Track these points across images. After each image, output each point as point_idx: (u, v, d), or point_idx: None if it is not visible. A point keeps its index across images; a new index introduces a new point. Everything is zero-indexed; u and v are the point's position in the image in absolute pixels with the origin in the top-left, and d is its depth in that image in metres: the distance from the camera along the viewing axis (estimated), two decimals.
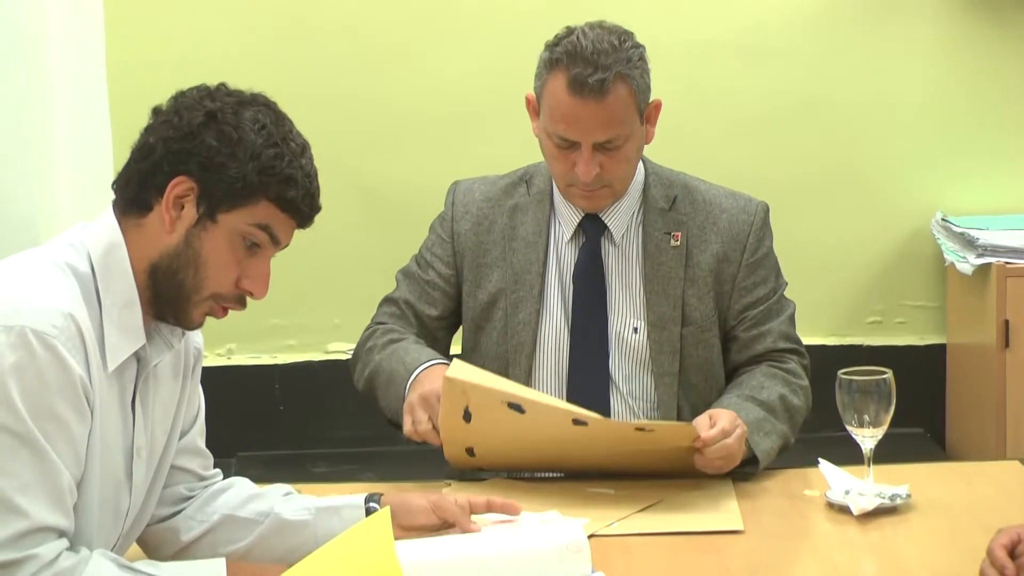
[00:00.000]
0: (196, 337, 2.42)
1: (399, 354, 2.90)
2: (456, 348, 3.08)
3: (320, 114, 4.58)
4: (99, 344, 2.17)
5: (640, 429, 2.66)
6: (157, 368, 2.29)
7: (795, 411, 2.89)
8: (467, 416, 2.65)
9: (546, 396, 2.77)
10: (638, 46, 2.84)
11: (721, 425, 2.65)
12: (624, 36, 2.83)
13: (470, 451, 2.74)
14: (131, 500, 2.27)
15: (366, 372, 2.96)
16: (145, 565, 2.15)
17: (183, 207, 2.18)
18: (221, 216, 2.18)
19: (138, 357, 2.24)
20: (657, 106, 2.90)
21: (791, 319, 3.00)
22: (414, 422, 2.75)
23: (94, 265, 2.19)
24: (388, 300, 3.06)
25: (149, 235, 2.20)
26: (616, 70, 2.77)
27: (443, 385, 2.63)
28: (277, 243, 2.24)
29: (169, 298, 2.21)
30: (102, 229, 2.22)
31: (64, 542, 2.10)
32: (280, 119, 2.25)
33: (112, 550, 2.25)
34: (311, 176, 2.25)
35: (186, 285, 2.19)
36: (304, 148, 2.25)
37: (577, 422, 2.63)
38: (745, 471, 2.79)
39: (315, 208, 2.26)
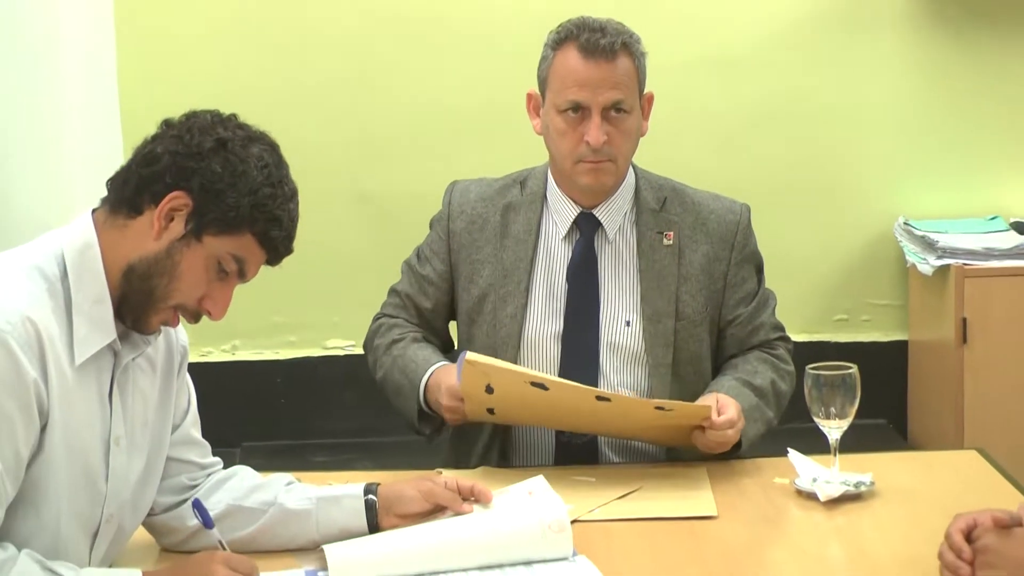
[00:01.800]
0: (181, 336, 2.43)
1: (400, 365, 2.93)
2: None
3: (321, 125, 4.60)
4: (66, 340, 2.16)
5: (659, 408, 2.68)
6: (134, 362, 2.29)
7: (782, 395, 2.92)
8: (489, 390, 2.68)
9: (565, 380, 2.76)
10: (638, 36, 2.89)
11: (729, 415, 2.68)
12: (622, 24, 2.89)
13: (490, 411, 2.77)
14: (109, 487, 2.25)
15: (378, 374, 2.99)
16: (64, 568, 2.12)
17: (173, 219, 2.17)
18: (207, 238, 2.18)
19: (113, 351, 2.23)
20: (650, 99, 2.93)
21: (774, 309, 3.03)
22: (454, 411, 2.78)
23: (67, 264, 2.19)
24: (392, 291, 3.08)
25: (132, 237, 2.19)
26: (622, 39, 2.82)
27: (464, 368, 2.65)
28: (243, 276, 2.24)
29: (136, 300, 2.20)
30: (78, 230, 2.22)
31: None
32: (280, 162, 2.25)
33: (96, 532, 2.26)
34: (294, 221, 2.25)
35: (156, 291, 2.19)
36: (294, 193, 2.26)
37: (600, 398, 2.67)
38: (730, 454, 2.81)
39: (289, 250, 2.27)
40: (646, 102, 2.91)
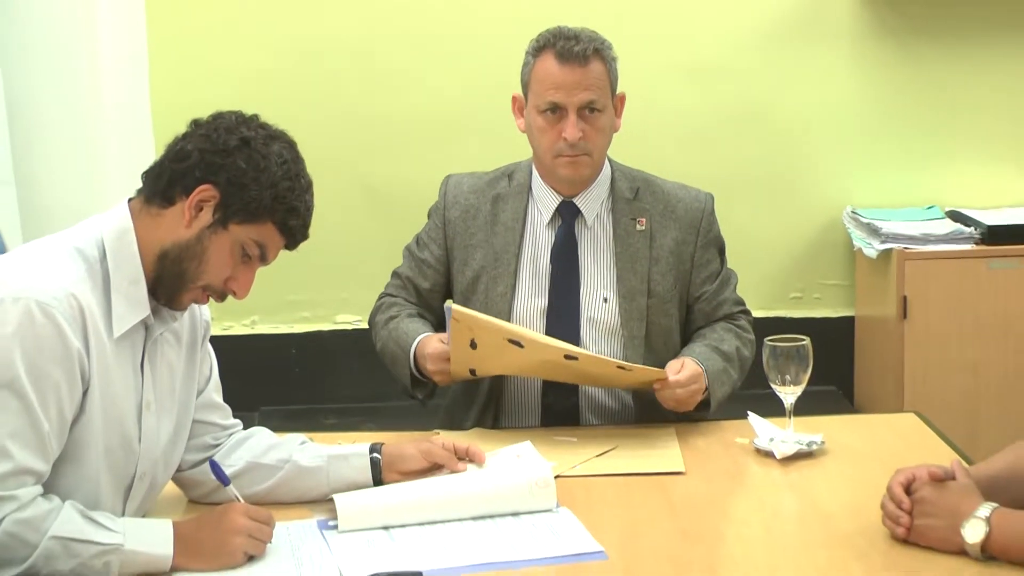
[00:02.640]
0: (204, 312, 2.44)
1: (394, 337, 2.93)
2: None
3: (331, 123, 4.59)
4: (105, 316, 2.17)
5: (620, 367, 2.69)
6: (162, 336, 2.30)
7: (745, 360, 2.93)
8: (473, 345, 2.69)
9: (541, 335, 2.79)
10: (609, 42, 2.89)
11: (679, 378, 2.71)
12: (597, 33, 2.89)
13: (472, 372, 2.79)
14: (141, 447, 2.26)
15: (378, 347, 2.99)
16: (103, 518, 2.13)
17: (202, 209, 2.19)
18: (232, 226, 2.19)
19: (145, 326, 2.24)
20: (622, 99, 2.93)
21: (736, 286, 3.04)
22: (441, 372, 2.79)
23: (106, 247, 2.20)
24: (395, 273, 3.08)
25: (165, 225, 2.21)
26: (594, 46, 2.83)
27: (451, 324, 2.67)
28: (264, 260, 2.26)
29: (169, 281, 2.21)
30: (115, 217, 2.23)
31: (39, 488, 2.09)
32: (297, 158, 2.26)
33: (130, 486, 2.27)
34: (310, 210, 2.27)
35: (187, 273, 2.20)
36: (310, 185, 2.27)
37: (569, 357, 2.67)
38: (699, 413, 2.82)
39: (305, 236, 2.28)
40: (619, 101, 2.92)
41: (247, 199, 2.18)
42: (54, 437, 2.10)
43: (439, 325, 2.98)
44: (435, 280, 3.02)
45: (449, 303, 2.77)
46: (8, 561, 2.06)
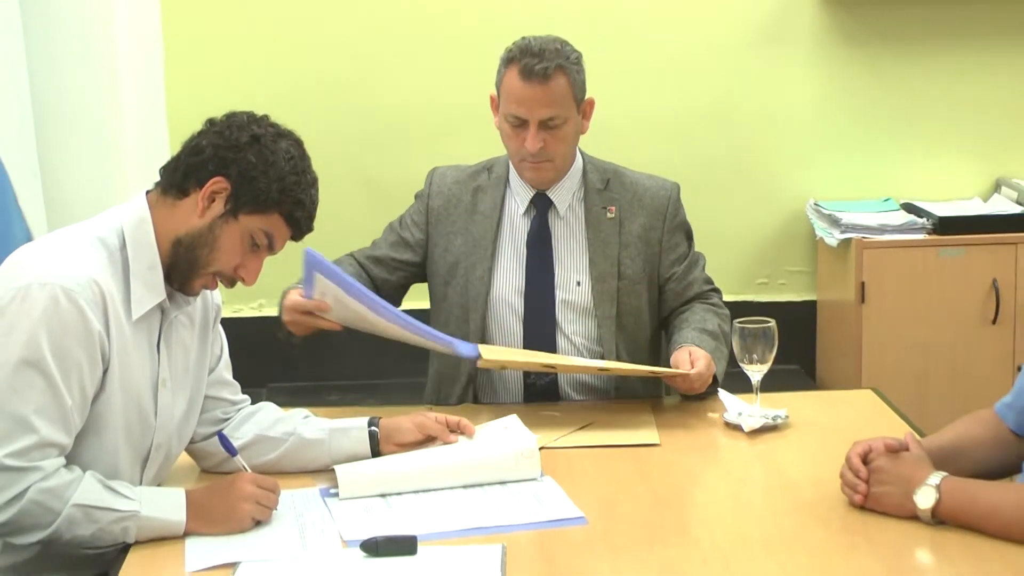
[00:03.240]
0: (215, 296, 2.44)
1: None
2: (423, 299, 3.06)
3: (334, 121, 4.58)
4: (124, 300, 2.18)
5: (651, 373, 2.76)
6: (177, 319, 2.30)
7: (727, 335, 2.90)
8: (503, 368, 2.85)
9: (569, 358, 2.86)
10: (576, 51, 2.85)
11: (699, 369, 2.68)
12: (564, 42, 2.85)
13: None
14: (157, 421, 2.27)
15: None
16: (121, 487, 2.14)
17: (214, 200, 2.19)
18: (242, 216, 2.20)
19: (161, 309, 2.25)
20: (591, 103, 2.90)
21: (704, 267, 3.03)
22: (293, 322, 2.83)
23: (125, 236, 2.20)
24: (374, 243, 3.07)
25: (180, 215, 2.21)
26: (557, 63, 2.78)
27: (481, 363, 2.70)
28: (272, 249, 2.26)
29: (182, 267, 2.22)
30: (134, 208, 2.24)
31: (62, 460, 2.10)
32: (304, 155, 2.27)
33: (147, 458, 2.28)
34: (315, 203, 2.27)
35: (200, 260, 2.21)
36: (315, 181, 2.28)
37: (602, 370, 2.80)
38: (709, 391, 2.80)
39: (310, 228, 2.29)
40: (587, 106, 2.88)
41: (256, 191, 2.19)
42: (76, 412, 2.11)
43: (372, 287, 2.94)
44: (404, 257, 3.01)
45: (308, 249, 2.67)
46: (33, 527, 2.07)
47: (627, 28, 4.65)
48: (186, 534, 2.15)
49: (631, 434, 2.65)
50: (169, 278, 2.23)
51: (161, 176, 2.26)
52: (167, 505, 2.16)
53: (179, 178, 2.21)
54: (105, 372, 2.15)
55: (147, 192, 2.27)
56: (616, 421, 2.73)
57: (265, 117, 2.26)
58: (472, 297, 2.92)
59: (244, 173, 2.18)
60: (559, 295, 2.93)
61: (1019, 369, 2.47)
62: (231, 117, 2.24)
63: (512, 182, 2.97)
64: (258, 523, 2.19)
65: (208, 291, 2.38)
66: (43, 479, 2.05)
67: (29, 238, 3.00)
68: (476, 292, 2.91)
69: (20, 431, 2.05)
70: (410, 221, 3.03)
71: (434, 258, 3.00)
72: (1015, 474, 2.37)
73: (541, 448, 2.48)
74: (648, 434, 2.65)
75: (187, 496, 2.17)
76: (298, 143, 2.26)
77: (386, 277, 3.01)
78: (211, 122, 2.25)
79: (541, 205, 2.95)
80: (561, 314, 2.93)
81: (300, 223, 2.24)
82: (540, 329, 2.91)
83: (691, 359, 2.71)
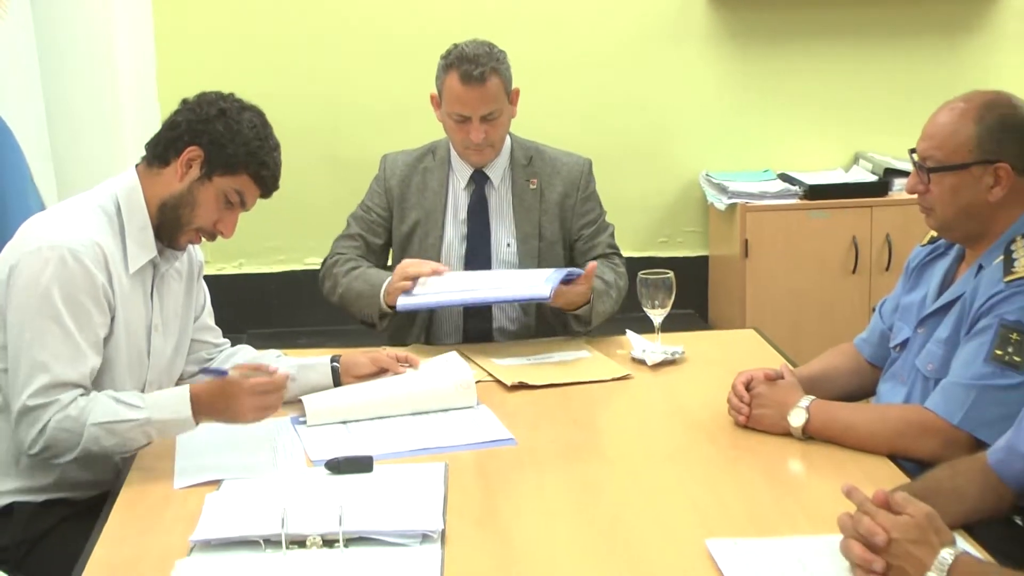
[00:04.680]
0: (199, 254, 2.43)
1: (363, 279, 2.84)
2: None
3: (304, 107, 4.53)
4: (122, 257, 2.16)
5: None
6: (167, 273, 2.29)
7: (620, 289, 2.90)
8: None
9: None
10: (502, 51, 2.84)
11: (587, 278, 2.70)
12: (491, 45, 2.84)
13: None
14: (151, 361, 2.26)
15: (337, 291, 2.89)
16: (131, 398, 2.10)
17: (191, 167, 2.19)
18: (216, 178, 2.19)
19: (154, 264, 2.23)
20: (517, 92, 2.89)
21: (612, 234, 3.01)
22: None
23: (120, 203, 2.19)
24: (346, 236, 2.98)
25: (164, 181, 2.20)
26: (490, 66, 2.78)
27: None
28: (244, 205, 2.24)
29: (169, 226, 2.21)
30: (126, 179, 2.23)
31: (79, 391, 2.08)
32: (265, 123, 2.25)
33: (143, 388, 2.25)
34: (278, 165, 2.25)
35: (182, 219, 2.20)
36: (277, 146, 2.26)
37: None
38: (583, 327, 2.80)
39: (276, 186, 2.26)
40: (514, 96, 2.87)
41: (226, 156, 2.18)
42: (91, 354, 2.10)
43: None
44: (384, 236, 2.99)
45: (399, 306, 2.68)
46: (65, 450, 2.08)
47: (550, 28, 4.62)
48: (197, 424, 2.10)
49: (601, 370, 2.60)
50: (159, 236, 2.22)
51: (146, 150, 2.25)
52: (173, 405, 2.10)
53: (160, 150, 2.21)
54: (112, 319, 2.14)
55: (136, 165, 2.25)
56: (581, 361, 2.68)
57: (231, 94, 2.25)
58: (427, 259, 2.90)
59: (215, 141, 2.17)
60: (494, 254, 2.93)
61: (873, 310, 2.48)
62: (202, 96, 2.23)
63: (453, 162, 2.95)
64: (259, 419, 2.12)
65: (193, 250, 2.37)
66: (60, 410, 2.05)
67: (43, 209, 2.96)
68: (429, 256, 2.90)
69: (37, 373, 2.05)
70: (372, 203, 2.99)
71: (394, 228, 2.97)
72: (870, 397, 2.40)
73: (477, 381, 2.47)
74: (616, 369, 2.60)
75: (191, 392, 2.11)
76: (260, 114, 2.24)
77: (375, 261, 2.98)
78: (185, 101, 2.24)
79: (479, 180, 2.93)
80: (496, 269, 2.92)
81: (266, 181, 2.23)
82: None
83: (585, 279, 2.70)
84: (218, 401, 2.11)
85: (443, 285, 2.67)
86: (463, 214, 2.93)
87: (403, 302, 2.67)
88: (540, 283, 2.61)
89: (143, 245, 2.19)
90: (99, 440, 2.06)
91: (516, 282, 2.66)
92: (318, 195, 4.57)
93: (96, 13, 3.32)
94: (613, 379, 2.55)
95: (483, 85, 2.76)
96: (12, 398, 2.07)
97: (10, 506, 2.14)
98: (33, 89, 3.09)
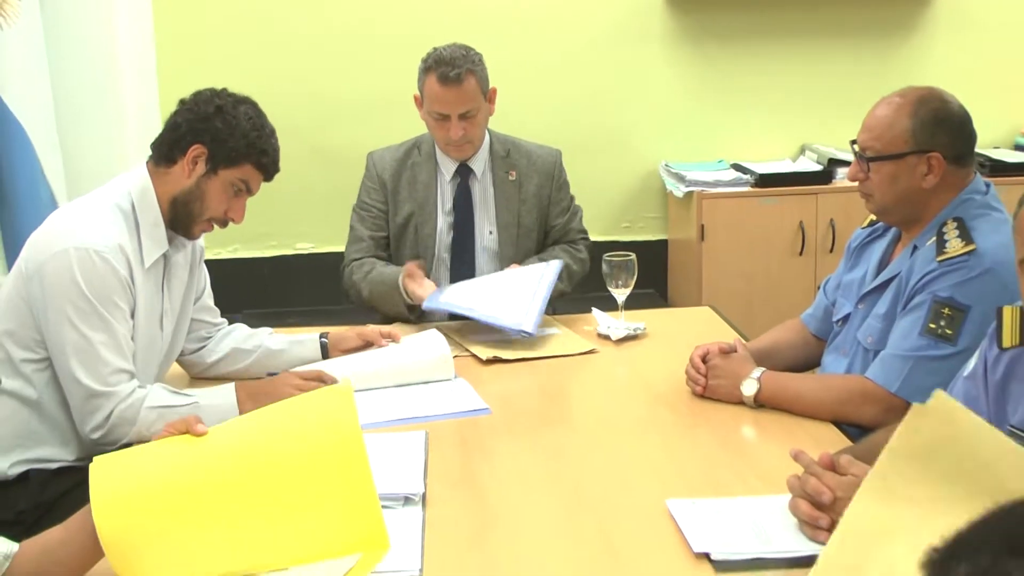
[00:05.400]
0: (200, 241, 2.40)
1: (380, 279, 2.81)
2: None
3: (294, 101, 4.48)
4: (138, 253, 2.14)
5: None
6: (175, 263, 2.27)
7: (573, 273, 2.91)
8: None
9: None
10: (478, 53, 2.83)
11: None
12: (468, 47, 2.82)
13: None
14: (162, 342, 2.26)
15: (364, 295, 2.86)
16: (183, 391, 2.14)
17: (197, 163, 2.16)
18: (221, 171, 2.16)
19: (165, 256, 2.21)
20: (494, 91, 2.87)
21: (581, 218, 3.02)
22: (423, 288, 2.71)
23: (134, 201, 2.17)
24: (354, 241, 2.94)
25: (172, 179, 2.17)
26: (467, 67, 2.76)
27: None
28: (250, 192, 2.22)
29: (183, 220, 2.19)
30: (138, 177, 2.20)
31: (135, 382, 2.09)
32: (260, 113, 2.22)
33: (156, 370, 2.25)
34: (277, 150, 2.23)
35: (194, 211, 2.18)
36: (273, 132, 2.24)
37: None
38: None
39: (277, 170, 2.25)
40: (492, 94, 2.85)
41: (228, 150, 2.15)
42: (127, 343, 2.10)
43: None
44: (387, 228, 2.94)
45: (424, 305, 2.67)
46: (121, 435, 2.07)
47: (523, 31, 4.59)
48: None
49: (571, 346, 2.60)
50: (174, 228, 2.20)
51: (152, 151, 2.22)
52: (219, 394, 2.14)
53: (166, 151, 2.18)
54: (133, 313, 2.14)
55: (146, 162, 2.22)
56: (550, 337, 2.67)
57: (224, 89, 2.22)
58: (422, 249, 2.91)
59: (216, 138, 2.15)
60: (477, 242, 2.93)
61: (818, 288, 2.49)
62: (197, 95, 2.20)
63: (438, 157, 2.93)
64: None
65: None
66: (121, 400, 2.05)
67: (52, 200, 2.98)
68: (426, 245, 2.90)
69: (95, 363, 2.04)
70: (369, 200, 2.95)
71: (390, 220, 2.95)
72: (816, 367, 2.41)
73: (455, 356, 2.46)
74: (583, 344, 2.60)
75: (236, 386, 2.16)
76: (254, 105, 2.22)
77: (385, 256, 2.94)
78: (182, 101, 2.20)
79: (463, 173, 2.92)
80: (479, 256, 2.93)
81: (268, 167, 2.21)
82: (465, 265, 2.92)
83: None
84: (265, 385, 2.15)
85: (458, 294, 2.66)
86: (449, 205, 2.92)
87: (427, 305, 2.65)
88: (529, 322, 2.55)
89: (156, 240, 2.18)
90: (152, 423, 2.05)
91: (510, 307, 2.60)
92: (307, 185, 4.54)
93: (100, 16, 3.31)
94: (580, 353, 2.56)
95: (460, 85, 2.74)
96: (71, 385, 2.06)
97: (26, 473, 2.12)
98: (42, 88, 3.08)
